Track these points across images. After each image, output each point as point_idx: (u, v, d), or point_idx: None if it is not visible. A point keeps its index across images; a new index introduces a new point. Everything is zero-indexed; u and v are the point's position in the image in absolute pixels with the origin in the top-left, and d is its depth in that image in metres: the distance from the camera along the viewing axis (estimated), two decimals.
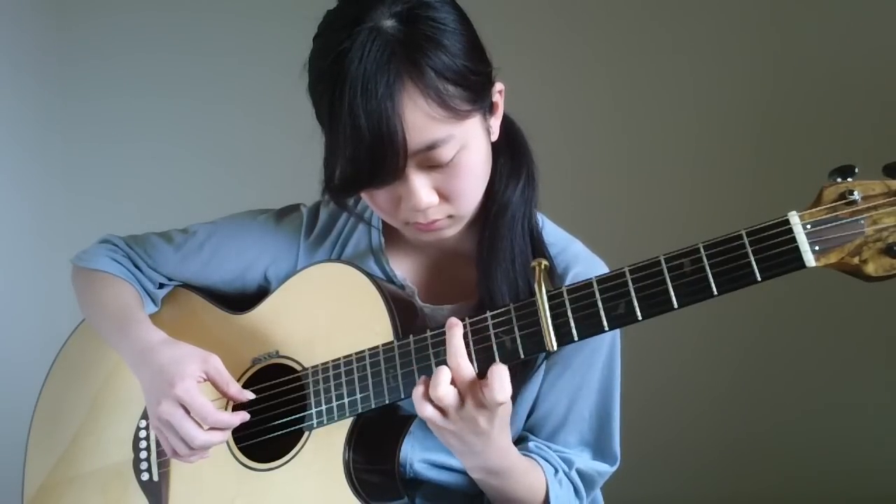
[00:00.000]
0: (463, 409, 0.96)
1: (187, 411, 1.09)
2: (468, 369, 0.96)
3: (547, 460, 1.14)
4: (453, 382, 0.96)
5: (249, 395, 1.14)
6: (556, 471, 1.14)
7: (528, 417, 1.18)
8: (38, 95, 2.82)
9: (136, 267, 1.31)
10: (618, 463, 1.20)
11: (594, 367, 1.17)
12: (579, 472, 1.16)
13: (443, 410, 0.96)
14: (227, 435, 1.13)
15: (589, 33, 2.58)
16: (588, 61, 2.58)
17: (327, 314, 1.15)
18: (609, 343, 1.17)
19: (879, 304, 2.12)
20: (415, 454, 1.16)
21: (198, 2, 2.83)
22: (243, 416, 1.13)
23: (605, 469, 1.19)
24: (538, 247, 1.16)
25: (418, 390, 0.97)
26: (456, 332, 0.97)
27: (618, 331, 1.16)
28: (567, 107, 2.54)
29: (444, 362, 0.99)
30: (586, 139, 2.55)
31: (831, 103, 2.33)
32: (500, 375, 0.94)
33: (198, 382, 1.11)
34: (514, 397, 1.04)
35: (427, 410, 0.97)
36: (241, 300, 1.27)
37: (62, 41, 2.87)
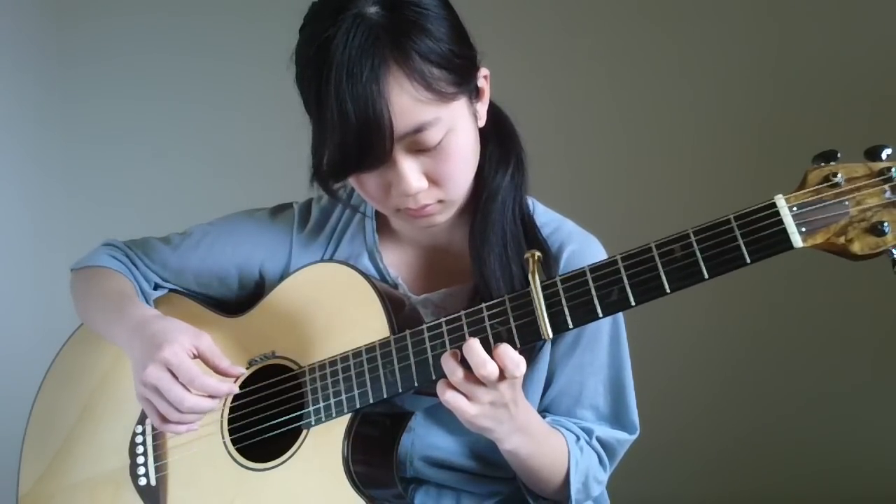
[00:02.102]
0: (488, 392, 0.97)
1: (175, 377, 1.06)
2: (494, 372, 0.95)
3: (567, 429, 1.15)
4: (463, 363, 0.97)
5: (240, 370, 1.13)
6: (578, 438, 1.15)
7: (542, 398, 1.19)
8: (37, 96, 2.83)
9: (134, 265, 1.32)
10: (637, 432, 1.20)
11: (601, 342, 1.18)
12: (599, 440, 1.17)
13: (467, 395, 0.97)
14: (217, 403, 1.10)
15: (579, 18, 2.56)
16: (579, 46, 2.56)
17: (323, 313, 1.15)
18: (611, 317, 1.17)
19: (880, 302, 2.12)
20: (415, 451, 1.16)
21: (198, 2, 2.82)
22: (231, 388, 1.12)
23: (624, 437, 1.19)
24: (531, 231, 1.16)
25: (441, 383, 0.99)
26: (451, 363, 0.97)
27: None
28: (558, 93, 2.52)
29: (442, 356, 1.00)
30: (580, 126, 2.54)
31: (825, 98, 2.31)
32: (509, 356, 0.94)
33: (187, 355, 1.09)
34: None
35: (447, 395, 0.98)
36: (238, 303, 1.28)
37: (62, 42, 2.88)
